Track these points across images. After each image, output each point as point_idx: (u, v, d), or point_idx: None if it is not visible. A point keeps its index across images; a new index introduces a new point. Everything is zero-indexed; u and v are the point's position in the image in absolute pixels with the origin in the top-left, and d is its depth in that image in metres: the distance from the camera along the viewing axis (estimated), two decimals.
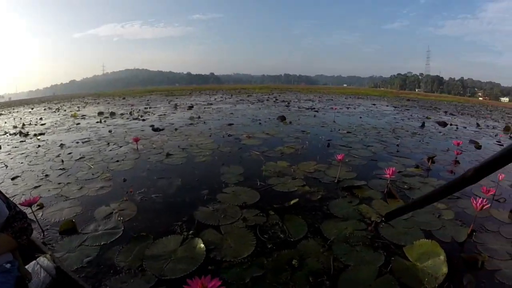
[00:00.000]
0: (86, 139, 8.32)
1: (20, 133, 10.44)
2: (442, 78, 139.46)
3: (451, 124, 12.02)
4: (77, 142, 7.93)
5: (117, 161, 5.88)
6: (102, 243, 2.97)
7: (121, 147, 7.12)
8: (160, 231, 3.14)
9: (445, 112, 19.07)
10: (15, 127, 12.61)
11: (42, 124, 12.90)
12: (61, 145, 7.62)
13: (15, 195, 4.22)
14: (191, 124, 10.40)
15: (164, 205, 3.84)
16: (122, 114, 15.10)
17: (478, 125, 12.65)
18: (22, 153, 7.06)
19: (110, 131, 9.40)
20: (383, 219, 2.94)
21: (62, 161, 6.04)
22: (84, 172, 5.21)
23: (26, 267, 1.94)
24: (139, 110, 16.71)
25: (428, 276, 2.50)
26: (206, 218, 3.45)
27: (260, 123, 10.60)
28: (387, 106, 21.29)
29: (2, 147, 8.03)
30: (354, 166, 5.48)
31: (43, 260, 2.10)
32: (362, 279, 2.49)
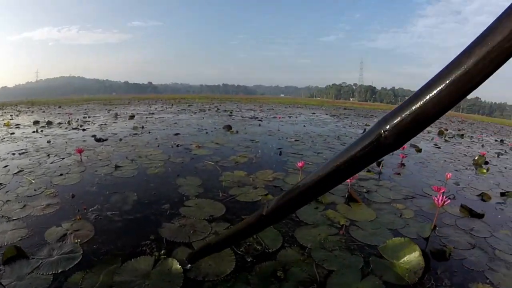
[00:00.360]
0: (23, 151, 7.54)
1: None
2: (374, 87, 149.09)
3: None
4: (13, 154, 7.15)
5: (61, 174, 5.33)
6: (59, 270, 2.57)
7: (63, 159, 6.52)
8: (126, 253, 2.83)
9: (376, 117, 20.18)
10: None
11: None
12: None
13: None
14: (135, 134, 9.90)
15: (123, 223, 3.51)
16: (59, 123, 13.98)
17: None
18: None
19: (49, 142, 8.61)
20: (187, 261, 2.67)
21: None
22: (25, 188, 4.63)
23: None
24: (78, 119, 15.64)
25: (407, 271, 2.60)
26: (174, 235, 3.22)
27: (206, 133, 10.44)
28: (327, 114, 22.15)
29: None
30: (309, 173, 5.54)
31: None
32: (348, 282, 2.50)
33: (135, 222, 3.55)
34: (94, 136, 9.44)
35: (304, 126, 13.57)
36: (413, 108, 1.16)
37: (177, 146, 7.76)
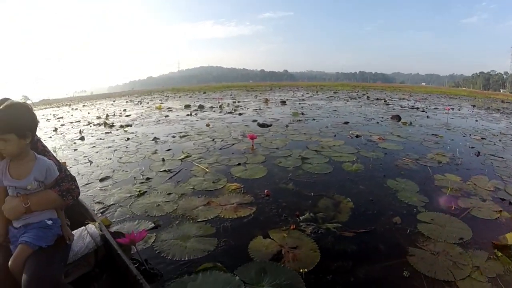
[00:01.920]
0: (183, 133, 7.64)
1: (105, 124, 10.15)
2: None
3: None
4: (173, 137, 7.28)
5: (239, 164, 4.89)
6: None
7: (232, 144, 6.27)
8: None
9: None
10: (98, 117, 12.60)
11: (127, 116, 12.75)
12: (155, 139, 7.07)
13: (105, 208, 3.50)
14: (299, 120, 9.44)
15: (353, 242, 2.69)
16: (211, 107, 14.65)
17: None
18: (109, 147, 6.57)
19: (208, 125, 8.69)
20: None
21: (163, 159, 5.32)
22: (200, 179, 4.32)
23: (75, 231, 2.01)
24: (228, 104, 16.21)
25: None
26: (431, 267, 2.37)
27: (378, 123, 9.43)
28: (488, 109, 18.70)
29: (85, 139, 7.66)
30: None
31: (91, 227, 2.16)
32: None
33: (367, 240, 2.73)
34: (255, 121, 9.27)
35: (476, 121, 11.26)
36: None
37: (356, 137, 6.90)
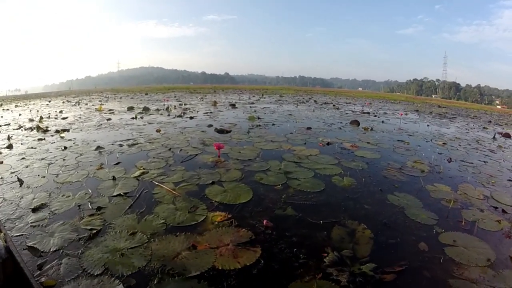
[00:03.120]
0: (132, 141, 6.53)
1: (38, 128, 8.68)
2: (459, 84, 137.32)
3: None
4: (121, 145, 6.11)
5: (213, 183, 3.96)
6: None
7: (195, 155, 5.34)
8: None
9: (489, 121, 17.37)
10: (31, 120, 10.99)
11: (63, 118, 11.28)
12: (98, 148, 5.85)
13: (43, 258, 2.44)
14: (258, 126, 8.70)
15: None
16: (157, 110, 13.57)
17: None
18: (42, 159, 5.26)
19: (159, 131, 7.69)
20: None
21: (114, 178, 4.16)
22: (170, 207, 3.28)
23: None
24: (175, 106, 15.20)
25: None
26: None
27: (340, 128, 9.11)
28: (431, 113, 19.61)
29: (14, 147, 6.36)
30: None
31: None
32: None
33: (409, 279, 2.28)
34: (211, 126, 8.50)
35: (428, 125, 11.85)
36: None
37: (328, 144, 6.45)
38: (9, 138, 7.34)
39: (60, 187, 3.88)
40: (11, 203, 3.45)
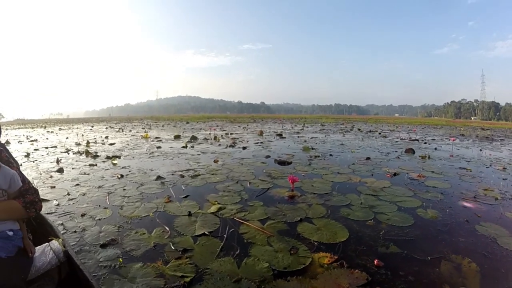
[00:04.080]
0: (191, 171, 6.52)
1: (87, 152, 9.02)
2: (498, 104, 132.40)
3: None
4: (182, 176, 6.02)
5: (301, 220, 3.78)
6: None
7: (267, 189, 5.19)
8: None
9: None
10: (78, 144, 11.71)
11: (111, 144, 11.83)
12: (159, 178, 5.77)
13: None
14: (316, 156, 8.79)
15: None
16: (205, 139, 13.97)
17: None
18: (99, 187, 5.21)
19: (216, 161, 7.69)
20: None
21: (189, 213, 3.94)
22: (267, 249, 3.00)
23: (38, 248, 1.97)
24: (222, 136, 15.64)
25: None
26: None
27: (398, 157, 9.07)
28: (477, 137, 19.18)
29: (65, 171, 6.47)
30: None
31: (54, 243, 2.09)
32: None
33: None
34: (268, 157, 8.64)
35: (481, 150, 11.79)
36: None
37: (394, 175, 6.43)
38: (58, 161, 7.62)
39: (130, 222, 3.65)
40: (75, 233, 3.29)
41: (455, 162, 8.46)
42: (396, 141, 14.20)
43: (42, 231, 2.27)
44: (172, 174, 6.20)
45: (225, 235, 3.31)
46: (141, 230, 3.38)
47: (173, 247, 3.00)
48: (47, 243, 2.09)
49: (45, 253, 1.99)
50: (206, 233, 3.36)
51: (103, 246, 2.98)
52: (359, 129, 22.01)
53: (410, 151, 10.05)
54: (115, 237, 3.16)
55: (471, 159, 9.05)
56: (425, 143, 13.81)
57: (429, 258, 2.94)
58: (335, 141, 13.88)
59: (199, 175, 6.17)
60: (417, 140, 15.00)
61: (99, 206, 4.20)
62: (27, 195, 1.81)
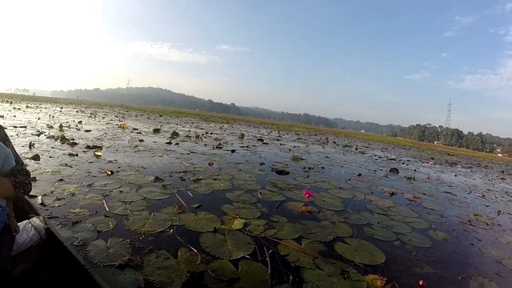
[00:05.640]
0: (190, 173, 6.11)
1: (63, 138, 8.29)
2: (461, 131, 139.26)
3: None
4: (182, 179, 5.55)
5: (333, 240, 3.66)
6: None
7: (281, 202, 5.01)
8: None
9: (502, 171, 19.40)
10: (50, 126, 10.99)
11: (87, 131, 11.15)
12: (157, 180, 5.22)
13: None
14: (310, 168, 8.97)
15: None
16: (188, 136, 13.76)
17: None
18: (89, 185, 4.50)
19: (211, 165, 7.24)
20: None
21: (215, 230, 3.41)
22: (317, 273, 2.82)
23: (19, 224, 1.95)
24: (203, 134, 15.46)
25: None
26: None
27: (386, 176, 9.56)
28: (447, 162, 20.39)
29: (41, 159, 5.72)
30: None
31: (35, 220, 2.12)
32: None
33: None
34: (262, 164, 8.50)
35: (456, 175, 12.96)
36: None
37: (391, 194, 6.74)
38: (31, 145, 6.96)
39: (143, 239, 3.00)
40: (74, 247, 2.56)
41: (439, 186, 9.07)
42: (376, 159, 14.82)
43: (19, 209, 2.19)
44: (170, 176, 5.74)
45: (267, 258, 2.90)
46: (161, 252, 2.77)
47: (212, 274, 2.51)
48: (27, 220, 2.08)
49: (26, 229, 1.99)
50: (247, 256, 2.91)
51: (120, 267, 2.42)
52: (335, 142, 22.69)
53: (395, 170, 10.63)
54: (132, 258, 2.54)
55: (451, 184, 9.75)
56: (403, 163, 14.61)
57: (459, 278, 3.23)
58: (318, 152, 14.25)
59: (201, 179, 5.71)
60: (394, 159, 15.71)
61: (96, 212, 3.50)
62: (19, 175, 1.80)
